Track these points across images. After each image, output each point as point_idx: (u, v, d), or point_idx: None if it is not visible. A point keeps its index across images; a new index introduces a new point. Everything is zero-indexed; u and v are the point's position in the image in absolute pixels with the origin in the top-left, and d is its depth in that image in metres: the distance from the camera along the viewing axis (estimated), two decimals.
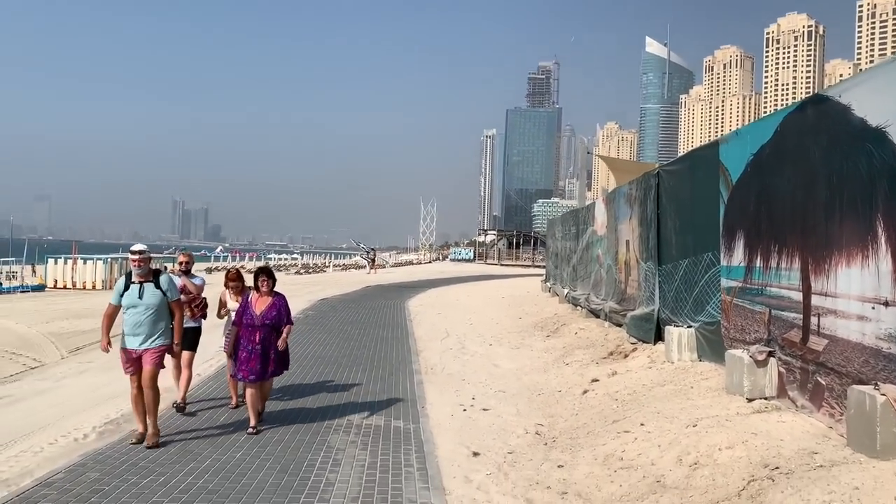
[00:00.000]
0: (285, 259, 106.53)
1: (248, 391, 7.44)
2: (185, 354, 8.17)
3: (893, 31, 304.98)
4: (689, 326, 8.97)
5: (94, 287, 43.03)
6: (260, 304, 7.68)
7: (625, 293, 12.86)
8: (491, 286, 34.09)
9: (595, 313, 14.89)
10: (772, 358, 6.57)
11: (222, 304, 8.61)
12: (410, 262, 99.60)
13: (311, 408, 8.64)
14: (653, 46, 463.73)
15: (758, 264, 7.03)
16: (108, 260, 45.68)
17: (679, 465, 5.08)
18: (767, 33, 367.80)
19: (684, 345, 8.84)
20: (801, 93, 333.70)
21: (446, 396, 9.51)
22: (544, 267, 69.63)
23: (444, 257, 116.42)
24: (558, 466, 6.02)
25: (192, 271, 9.05)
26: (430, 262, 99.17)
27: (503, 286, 32.94)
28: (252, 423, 7.36)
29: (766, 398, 6.51)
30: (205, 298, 8.79)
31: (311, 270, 72.64)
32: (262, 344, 7.47)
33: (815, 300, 5.85)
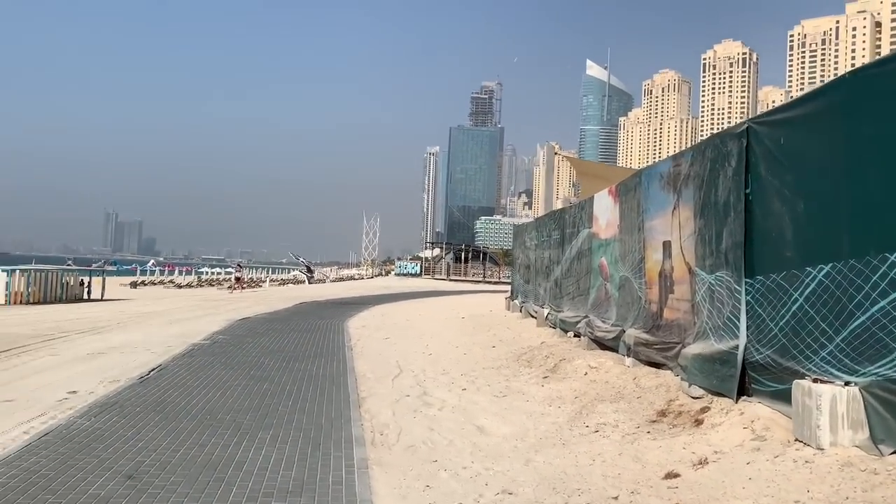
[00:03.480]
0: (218, 273, 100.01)
1: None
2: None
3: (822, 60, 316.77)
4: (848, 383, 5.05)
5: None
6: None
7: (659, 317, 8.96)
8: (445, 304, 30.01)
9: (602, 344, 10.98)
10: None
11: None
12: (352, 277, 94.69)
13: None
14: (593, 69, 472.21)
15: None
16: (14, 272, 39.72)
17: None
18: (704, 59, 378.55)
19: (841, 416, 4.93)
20: (736, 117, 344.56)
21: (411, 502, 5.37)
22: (496, 282, 65.71)
23: (387, 273, 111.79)
24: None
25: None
26: (372, 278, 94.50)
27: (459, 304, 28.91)
28: None
29: None
30: None
31: (245, 285, 67.34)
32: None
33: None
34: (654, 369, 8.81)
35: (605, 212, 11.80)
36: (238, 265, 67.71)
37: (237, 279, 52.57)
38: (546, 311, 15.50)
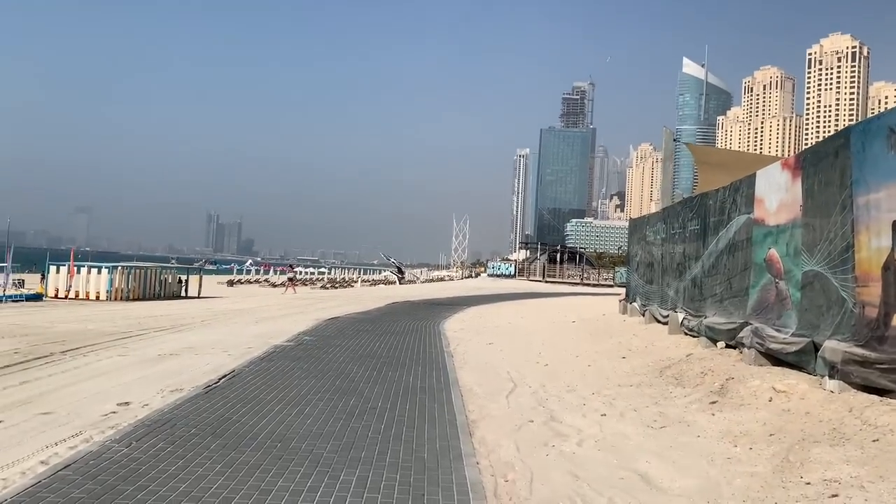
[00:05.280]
0: (313, 273, 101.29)
1: None
2: None
3: None
4: None
5: (97, 297, 37.65)
6: None
7: (884, 327, 6.48)
8: (546, 306, 27.72)
9: (777, 358, 8.52)
10: None
11: None
12: (442, 279, 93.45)
13: None
14: (690, 67, 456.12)
15: None
16: (116, 269, 40.16)
17: None
18: (809, 54, 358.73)
19: None
20: (845, 115, 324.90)
21: None
22: (594, 284, 62.42)
23: (477, 274, 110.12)
24: None
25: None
26: (462, 279, 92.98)
27: (563, 306, 26.52)
28: None
29: None
30: None
31: (337, 285, 67.28)
32: None
33: None
34: (877, 397, 6.35)
35: (777, 191, 9.31)
36: (290, 265, 66.39)
37: (290, 280, 50.05)
38: (681, 316, 13.02)
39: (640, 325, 15.33)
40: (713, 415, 7.07)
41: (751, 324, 9.57)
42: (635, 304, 17.71)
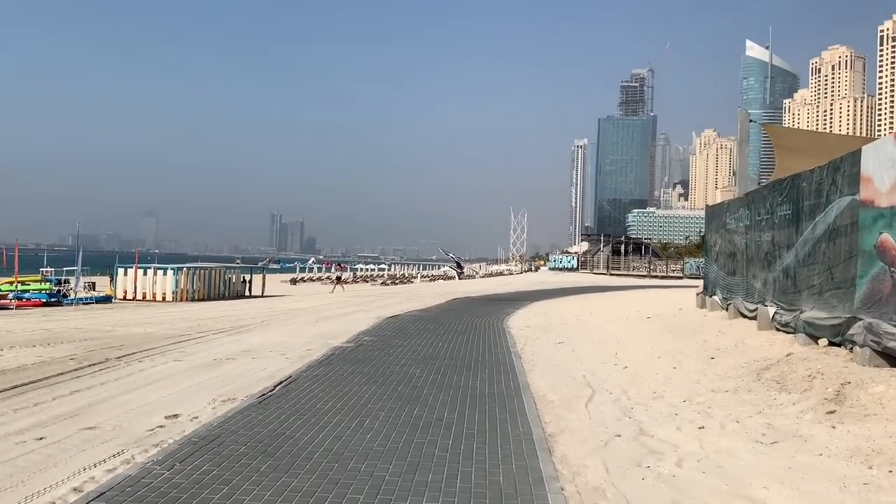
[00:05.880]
0: (373, 270, 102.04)
1: None
2: None
3: None
4: None
5: (164, 298, 38.18)
6: None
7: None
8: (615, 300, 26.52)
9: None
10: None
11: None
12: (501, 273, 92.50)
13: None
14: (754, 50, 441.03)
15: None
16: (181, 270, 40.71)
17: None
18: (881, 31, 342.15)
19: None
20: None
21: None
22: (662, 276, 60.23)
23: (536, 269, 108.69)
24: None
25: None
26: (522, 273, 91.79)
27: (634, 300, 25.28)
28: None
29: None
30: None
31: (398, 281, 67.31)
32: None
33: None
34: None
35: (890, 167, 8.16)
36: (339, 265, 68.28)
37: (338, 279, 52.41)
38: (771, 310, 11.87)
39: (724, 320, 14.19)
40: (833, 427, 6.07)
41: (861, 319, 8.44)
42: (716, 297, 16.50)
